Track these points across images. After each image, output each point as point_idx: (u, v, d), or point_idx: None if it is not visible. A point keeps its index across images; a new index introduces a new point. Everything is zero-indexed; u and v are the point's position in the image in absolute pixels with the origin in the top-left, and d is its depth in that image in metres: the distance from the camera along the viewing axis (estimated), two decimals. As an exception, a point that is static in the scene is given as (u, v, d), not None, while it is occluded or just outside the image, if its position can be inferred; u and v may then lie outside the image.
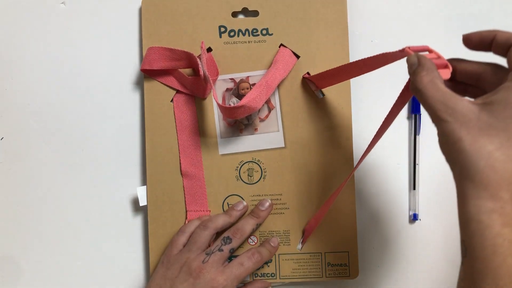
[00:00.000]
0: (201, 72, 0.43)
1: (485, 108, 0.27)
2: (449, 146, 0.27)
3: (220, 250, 0.42)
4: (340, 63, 0.45)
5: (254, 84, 0.46)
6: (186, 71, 0.46)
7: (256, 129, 0.47)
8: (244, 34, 0.47)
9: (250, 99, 0.42)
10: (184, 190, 0.46)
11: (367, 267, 0.48)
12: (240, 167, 0.47)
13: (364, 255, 0.48)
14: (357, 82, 0.47)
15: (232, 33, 0.47)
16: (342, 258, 0.46)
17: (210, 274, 0.40)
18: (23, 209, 0.48)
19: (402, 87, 0.35)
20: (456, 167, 0.27)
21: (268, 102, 0.47)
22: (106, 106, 0.48)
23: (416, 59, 0.30)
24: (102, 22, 0.49)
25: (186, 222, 0.46)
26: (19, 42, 0.49)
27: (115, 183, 0.48)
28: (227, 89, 0.47)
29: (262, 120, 0.47)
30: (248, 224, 0.44)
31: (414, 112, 0.48)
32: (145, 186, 0.47)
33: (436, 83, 0.29)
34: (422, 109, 0.48)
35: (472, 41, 0.32)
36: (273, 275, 0.46)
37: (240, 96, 0.46)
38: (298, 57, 0.46)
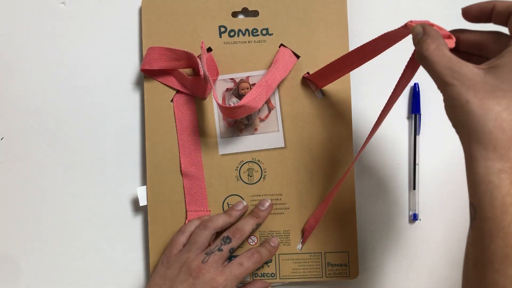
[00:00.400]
0: (201, 72, 0.43)
1: (490, 72, 0.27)
2: (457, 109, 0.28)
3: (220, 250, 0.42)
4: (340, 63, 0.45)
5: (254, 84, 0.46)
6: (186, 71, 0.46)
7: (256, 129, 0.47)
8: (244, 34, 0.47)
9: (250, 99, 0.42)
10: (184, 190, 0.46)
11: (367, 267, 0.48)
12: (240, 167, 0.47)
13: (364, 255, 0.48)
14: (357, 82, 0.47)
15: (232, 33, 0.47)
16: (342, 258, 0.46)
17: (210, 274, 0.40)
18: (23, 209, 0.48)
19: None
20: (463, 130, 0.28)
21: (268, 102, 0.47)
22: (106, 106, 0.48)
23: (421, 29, 0.31)
24: (102, 22, 0.49)
25: (186, 222, 0.46)
26: (19, 42, 0.49)
27: (115, 183, 0.48)
28: (227, 89, 0.47)
29: (262, 120, 0.47)
30: (247, 224, 0.44)
31: (414, 112, 0.48)
32: (145, 186, 0.47)
33: (442, 49, 0.29)
34: (422, 109, 0.48)
35: (472, 13, 0.32)
36: (273, 275, 0.46)
37: (240, 96, 0.46)
38: (298, 57, 0.46)
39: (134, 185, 0.48)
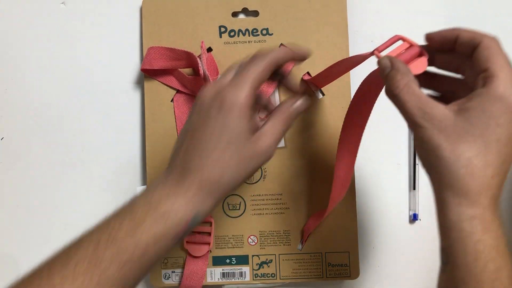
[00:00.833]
0: (201, 72, 0.43)
1: (461, 115, 0.27)
2: (428, 152, 0.27)
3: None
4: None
5: (254, 84, 0.46)
6: (186, 71, 0.46)
7: (256, 129, 0.47)
8: (244, 34, 0.47)
9: (250, 99, 0.42)
10: (184, 190, 0.46)
11: (367, 267, 0.48)
12: (240, 167, 0.47)
13: (364, 255, 0.48)
14: (357, 82, 0.47)
15: (232, 33, 0.47)
16: (343, 258, 0.46)
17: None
18: (23, 209, 0.48)
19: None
20: (435, 174, 0.27)
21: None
22: (106, 106, 0.48)
23: (389, 62, 0.29)
24: (102, 22, 0.49)
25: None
26: (19, 42, 0.49)
27: (115, 183, 0.48)
28: (227, 89, 0.47)
29: (262, 120, 0.47)
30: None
31: (414, 112, 0.47)
32: (145, 186, 0.47)
33: (412, 87, 0.28)
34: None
35: (435, 41, 0.31)
36: (273, 275, 0.46)
37: (240, 96, 0.46)
38: (298, 57, 0.46)
39: (134, 185, 0.48)
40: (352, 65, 0.38)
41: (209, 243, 0.46)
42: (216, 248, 0.47)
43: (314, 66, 0.46)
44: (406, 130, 0.48)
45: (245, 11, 0.47)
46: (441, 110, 0.27)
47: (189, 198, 0.29)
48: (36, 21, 0.49)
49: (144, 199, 0.30)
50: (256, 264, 0.46)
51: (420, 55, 0.31)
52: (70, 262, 0.28)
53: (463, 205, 0.26)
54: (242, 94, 0.30)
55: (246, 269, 0.47)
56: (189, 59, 0.45)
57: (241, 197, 0.47)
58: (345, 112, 0.47)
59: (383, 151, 0.48)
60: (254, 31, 0.47)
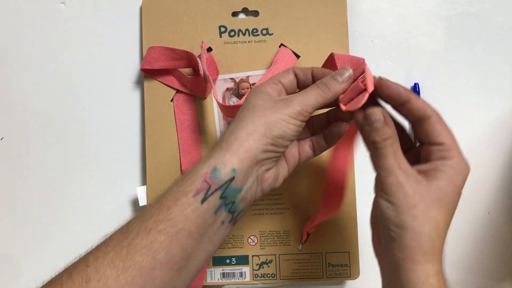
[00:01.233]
0: (201, 72, 0.43)
1: (433, 183, 0.30)
2: (403, 211, 0.29)
3: None
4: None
5: (254, 84, 0.46)
6: (186, 71, 0.46)
7: (256, 129, 0.47)
8: (244, 34, 0.47)
9: (250, 98, 0.42)
10: (184, 190, 0.46)
11: (367, 267, 0.48)
12: (240, 167, 0.46)
13: (364, 255, 0.48)
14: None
15: (232, 33, 0.47)
16: (343, 258, 0.46)
17: None
18: (23, 209, 0.48)
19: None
20: (406, 232, 0.29)
21: (268, 102, 0.46)
22: (106, 106, 0.48)
23: (383, 118, 0.31)
24: (102, 22, 0.49)
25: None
26: (19, 42, 0.49)
27: (115, 183, 0.48)
28: (227, 89, 0.47)
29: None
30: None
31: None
32: (145, 186, 0.46)
33: (398, 153, 0.31)
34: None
35: (385, 94, 0.31)
36: (273, 275, 0.46)
37: (240, 96, 0.46)
38: (298, 57, 0.46)
39: (134, 185, 0.48)
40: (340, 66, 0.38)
41: None
42: (216, 248, 0.47)
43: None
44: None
45: (245, 11, 0.47)
46: (415, 175, 0.30)
47: (209, 158, 0.31)
48: (36, 21, 0.49)
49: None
50: (256, 264, 0.46)
51: (363, 91, 0.32)
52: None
53: (430, 262, 0.29)
54: None
55: (246, 269, 0.47)
56: (189, 59, 0.45)
57: (241, 197, 0.46)
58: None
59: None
60: (254, 31, 0.47)
